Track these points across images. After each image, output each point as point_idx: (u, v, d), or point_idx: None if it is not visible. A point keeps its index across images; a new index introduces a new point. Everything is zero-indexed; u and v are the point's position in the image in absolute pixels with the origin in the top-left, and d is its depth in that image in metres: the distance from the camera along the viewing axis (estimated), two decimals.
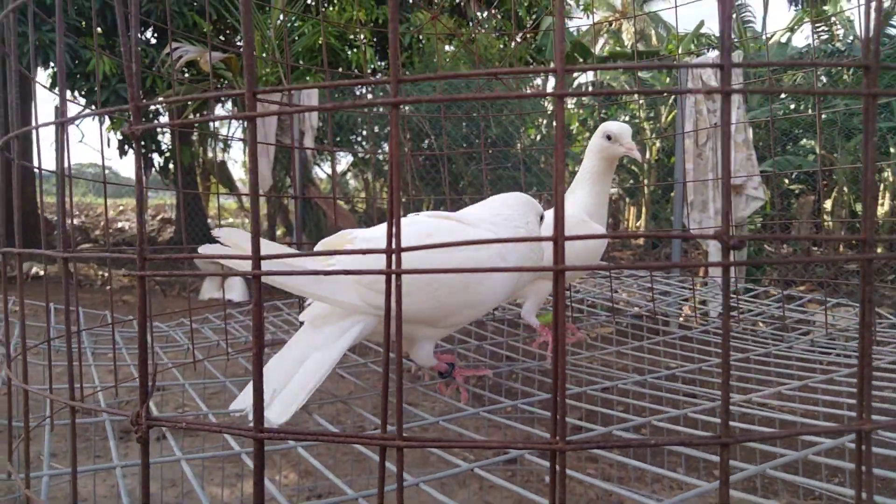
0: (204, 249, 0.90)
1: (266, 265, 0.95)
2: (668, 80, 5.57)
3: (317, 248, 1.15)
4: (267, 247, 1.00)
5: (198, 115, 6.94)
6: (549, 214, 1.51)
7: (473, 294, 1.08)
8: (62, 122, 0.55)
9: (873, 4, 0.42)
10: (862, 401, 0.43)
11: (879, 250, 5.78)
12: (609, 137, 1.38)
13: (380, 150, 6.97)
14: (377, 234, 1.12)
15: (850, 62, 0.45)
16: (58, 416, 0.95)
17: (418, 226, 1.13)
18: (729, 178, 0.43)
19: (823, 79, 5.52)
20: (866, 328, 0.43)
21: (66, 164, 0.60)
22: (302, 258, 1.08)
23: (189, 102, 5.96)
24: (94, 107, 6.81)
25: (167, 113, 6.24)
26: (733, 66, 0.41)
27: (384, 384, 0.44)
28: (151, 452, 0.49)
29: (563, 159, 0.41)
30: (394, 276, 0.44)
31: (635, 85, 6.29)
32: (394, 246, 0.43)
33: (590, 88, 7.32)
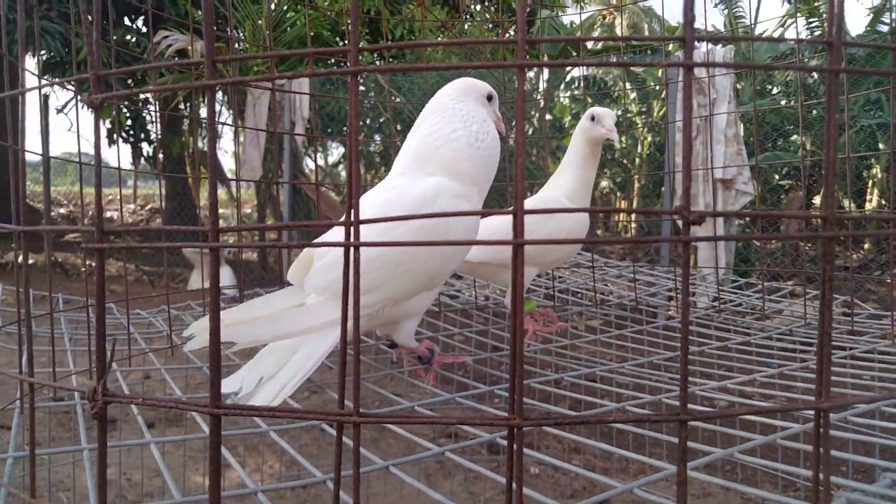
0: (190, 346, 0.94)
1: (234, 330, 0.95)
2: (659, 73, 5.57)
3: (289, 272, 1.12)
4: (229, 314, 0.98)
5: (187, 105, 6.88)
6: (534, 198, 1.51)
7: (448, 254, 1.04)
8: (21, 93, 0.54)
9: None
10: (821, 380, 0.43)
11: (867, 246, 5.81)
12: (593, 118, 1.41)
13: (372, 143, 6.94)
14: (336, 233, 1.08)
15: (813, 40, 0.45)
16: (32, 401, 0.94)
17: (372, 209, 1.06)
18: (690, 156, 0.43)
19: (815, 75, 5.53)
20: (826, 307, 0.43)
21: (25, 140, 0.59)
22: (271, 299, 1.06)
23: (179, 93, 5.90)
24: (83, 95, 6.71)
25: (157, 101, 6.18)
26: (696, 40, 0.41)
27: (341, 361, 0.44)
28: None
29: (523, 132, 0.41)
30: (352, 249, 0.43)
31: (627, 80, 6.28)
32: (352, 219, 0.43)
33: (582, 83, 7.31)
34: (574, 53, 6.34)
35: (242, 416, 0.45)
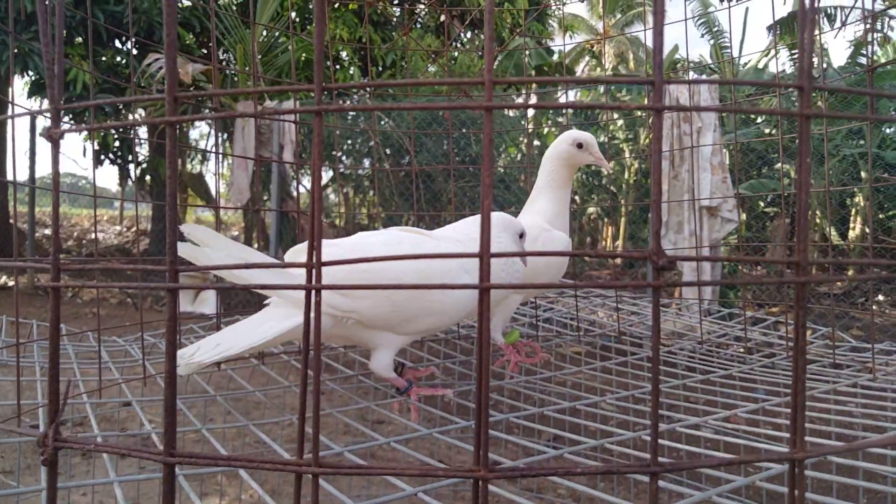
0: (182, 250, 0.92)
1: (218, 257, 0.95)
2: (645, 100, 5.65)
3: (287, 254, 1.17)
4: (219, 241, 0.97)
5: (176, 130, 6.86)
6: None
7: (434, 302, 1.07)
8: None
9: (806, 28, 0.42)
10: (795, 429, 0.42)
11: (850, 272, 5.86)
12: (580, 146, 1.39)
13: (361, 168, 6.96)
14: (344, 244, 1.13)
15: (782, 83, 0.45)
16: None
17: (385, 236, 1.15)
18: (660, 197, 0.42)
19: (797, 105, 5.61)
20: (800, 353, 0.42)
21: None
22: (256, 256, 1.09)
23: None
24: (70, 117, 6.71)
25: (148, 127, 6.17)
26: (664, 84, 0.40)
27: (301, 406, 0.42)
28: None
29: (490, 171, 0.40)
30: (313, 292, 0.42)
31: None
32: (314, 261, 0.42)
33: (570, 110, 7.39)
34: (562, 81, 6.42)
35: (197, 464, 0.43)
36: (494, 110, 0.42)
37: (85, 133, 7.26)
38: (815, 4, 0.41)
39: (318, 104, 0.41)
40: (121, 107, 6.35)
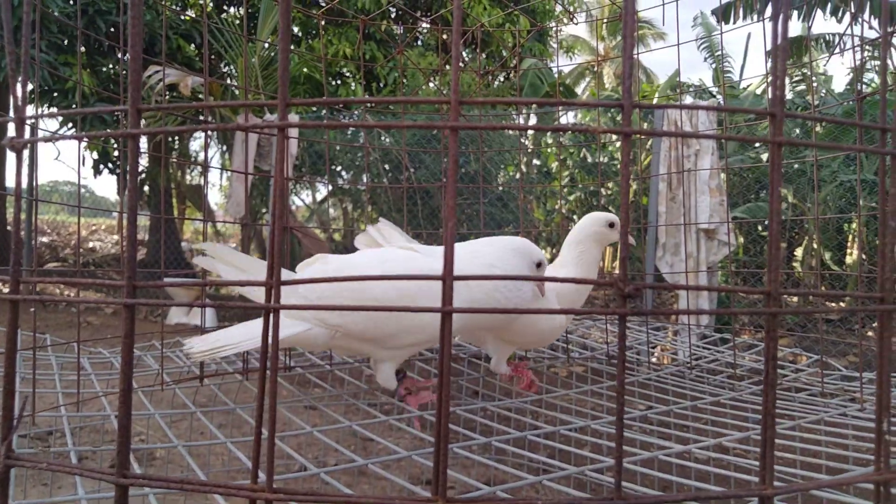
0: (199, 260, 1.14)
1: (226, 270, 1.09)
2: (646, 124, 5.67)
3: (298, 267, 1.23)
4: (233, 258, 1.14)
5: (175, 139, 6.90)
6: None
7: (412, 319, 1.08)
8: None
9: (778, 57, 0.41)
10: (765, 465, 0.41)
11: (847, 300, 5.84)
12: (612, 225, 1.45)
13: (360, 183, 6.97)
14: (351, 261, 1.19)
15: (756, 109, 0.44)
16: None
17: (374, 253, 1.23)
18: (627, 223, 0.41)
19: (797, 130, 5.66)
20: (770, 388, 0.41)
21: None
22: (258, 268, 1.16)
23: (169, 127, 5.92)
24: (71, 125, 6.74)
25: (147, 138, 6.19)
26: (633, 108, 0.40)
27: (256, 429, 0.41)
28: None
29: (454, 195, 0.39)
30: (272, 312, 0.41)
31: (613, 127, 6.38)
32: (273, 279, 0.41)
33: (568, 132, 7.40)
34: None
35: (150, 485, 0.42)
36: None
37: (85, 142, 7.29)
38: (788, 34, 0.40)
39: (281, 119, 0.41)
40: (119, 116, 6.37)
